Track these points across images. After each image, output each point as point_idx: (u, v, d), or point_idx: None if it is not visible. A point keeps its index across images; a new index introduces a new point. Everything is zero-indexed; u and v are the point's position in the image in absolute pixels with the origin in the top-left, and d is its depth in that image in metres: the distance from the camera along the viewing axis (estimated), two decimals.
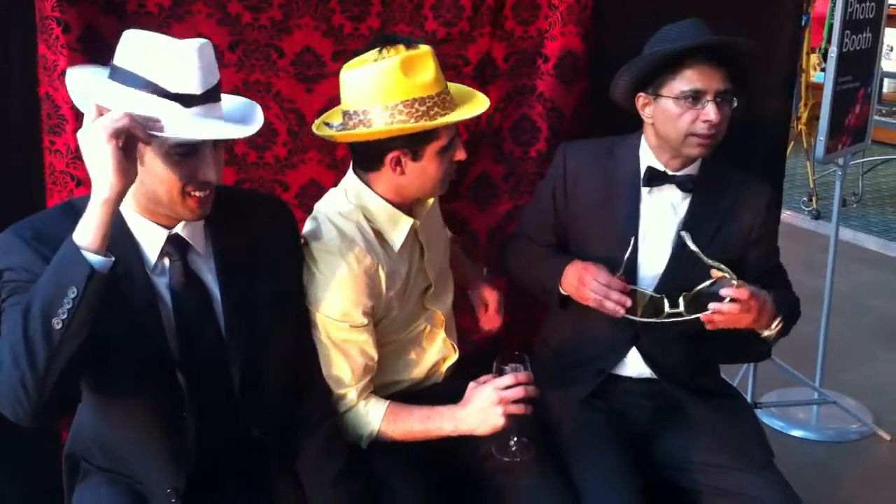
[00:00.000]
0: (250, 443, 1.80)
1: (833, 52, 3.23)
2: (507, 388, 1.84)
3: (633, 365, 2.23)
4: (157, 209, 1.64)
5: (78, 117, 1.98)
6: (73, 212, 1.57)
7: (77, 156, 2.02)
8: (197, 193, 1.61)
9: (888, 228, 6.45)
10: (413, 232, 2.03)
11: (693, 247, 2.01)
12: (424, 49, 1.88)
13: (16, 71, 2.03)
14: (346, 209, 1.97)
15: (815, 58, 6.68)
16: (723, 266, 2.01)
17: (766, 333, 2.09)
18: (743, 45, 2.06)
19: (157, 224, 1.66)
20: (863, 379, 4.04)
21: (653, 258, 2.18)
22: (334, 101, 2.29)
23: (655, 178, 2.15)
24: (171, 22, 2.11)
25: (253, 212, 1.83)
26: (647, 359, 2.22)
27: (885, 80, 7.61)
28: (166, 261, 1.68)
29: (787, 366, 3.70)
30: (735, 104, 2.08)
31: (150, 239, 1.66)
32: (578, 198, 2.22)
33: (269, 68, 2.23)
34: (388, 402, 1.97)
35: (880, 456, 3.53)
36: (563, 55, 2.52)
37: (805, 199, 6.72)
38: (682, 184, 2.15)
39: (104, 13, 2.04)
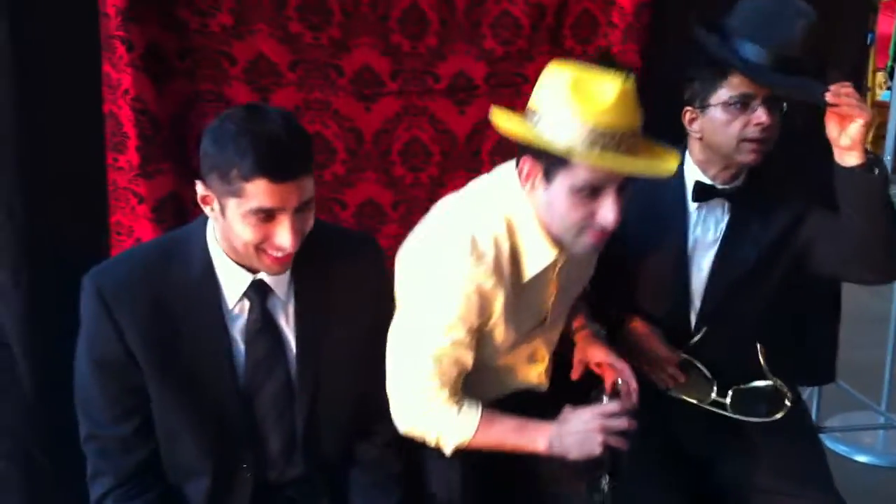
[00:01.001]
0: (304, 481, 1.80)
1: None
2: (611, 416, 1.74)
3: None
4: (240, 259, 1.65)
5: (140, 135, 2.02)
6: (167, 257, 1.65)
7: (139, 172, 2.05)
8: (273, 253, 1.60)
9: None
10: (553, 266, 1.86)
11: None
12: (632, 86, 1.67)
13: (80, 89, 2.05)
14: (488, 215, 1.78)
15: (880, 76, 6.55)
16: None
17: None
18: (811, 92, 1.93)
19: (243, 267, 1.67)
20: None
21: (698, 275, 2.14)
22: (390, 120, 2.32)
23: (704, 193, 2.10)
24: (232, 41, 2.13)
25: (339, 252, 1.79)
26: (705, 364, 2.17)
27: None
28: (245, 303, 1.69)
29: (853, 389, 3.60)
30: (785, 109, 2.02)
31: (234, 281, 1.67)
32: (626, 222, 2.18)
33: (329, 87, 2.23)
34: (480, 407, 1.85)
35: None
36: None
37: None
38: (731, 196, 2.10)
39: (166, 31, 2.06)
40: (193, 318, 1.65)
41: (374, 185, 2.36)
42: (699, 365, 2.12)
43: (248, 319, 1.69)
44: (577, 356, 2.04)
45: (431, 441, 1.85)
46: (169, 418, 1.67)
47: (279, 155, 1.51)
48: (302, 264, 1.70)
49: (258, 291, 1.68)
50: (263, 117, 1.54)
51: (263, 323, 1.69)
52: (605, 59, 1.71)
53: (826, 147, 2.78)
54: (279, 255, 1.60)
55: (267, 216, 1.54)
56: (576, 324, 2.09)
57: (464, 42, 2.36)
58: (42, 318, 2.08)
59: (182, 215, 2.11)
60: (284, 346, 1.72)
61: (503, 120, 1.76)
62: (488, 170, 2.45)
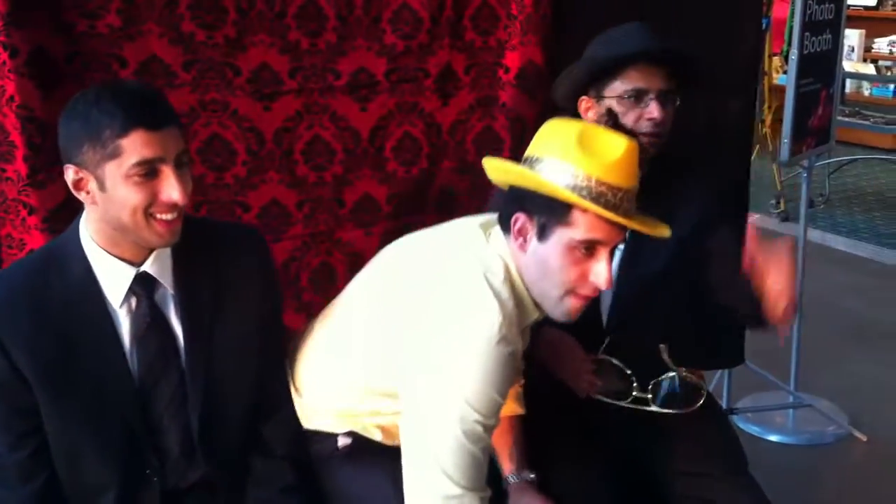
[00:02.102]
0: (206, 485, 1.75)
1: (794, 54, 3.23)
2: None
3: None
4: (123, 239, 1.59)
5: (27, 143, 1.93)
6: (45, 266, 1.60)
7: (28, 182, 1.96)
8: (162, 216, 1.55)
9: (856, 228, 6.49)
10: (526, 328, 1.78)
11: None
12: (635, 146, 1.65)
13: None
14: (497, 273, 1.69)
15: (777, 61, 6.73)
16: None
17: None
18: (680, 48, 2.05)
19: (124, 261, 1.61)
20: (837, 381, 4.03)
21: None
22: (291, 118, 2.28)
23: None
24: (122, 43, 2.04)
25: (225, 246, 1.76)
26: (621, 360, 2.15)
27: (847, 81, 7.67)
28: (132, 300, 1.63)
29: (762, 370, 3.68)
30: (678, 103, 2.06)
31: (117, 279, 1.61)
32: None
33: (226, 87, 2.17)
34: None
35: (857, 457, 3.52)
36: (523, 65, 2.51)
37: (773, 201, 6.75)
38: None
39: (52, 34, 1.97)
40: (79, 326, 1.59)
41: (277, 186, 2.31)
42: (615, 362, 2.12)
43: (137, 316, 1.63)
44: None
45: None
46: (68, 434, 1.61)
47: (147, 104, 1.51)
48: (186, 256, 1.67)
49: (144, 285, 1.63)
50: (115, 82, 1.59)
51: (152, 318, 1.64)
52: (610, 122, 1.75)
53: (725, 144, 2.87)
54: (169, 217, 1.55)
55: (150, 171, 1.51)
56: (504, 468, 2.00)
57: (363, 38, 2.34)
58: None
59: None
60: (175, 341, 1.67)
61: (498, 166, 1.73)
62: (393, 168, 2.45)
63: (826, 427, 3.65)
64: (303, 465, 1.86)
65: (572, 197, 1.59)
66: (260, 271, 1.80)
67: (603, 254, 1.64)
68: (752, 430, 3.63)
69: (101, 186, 1.52)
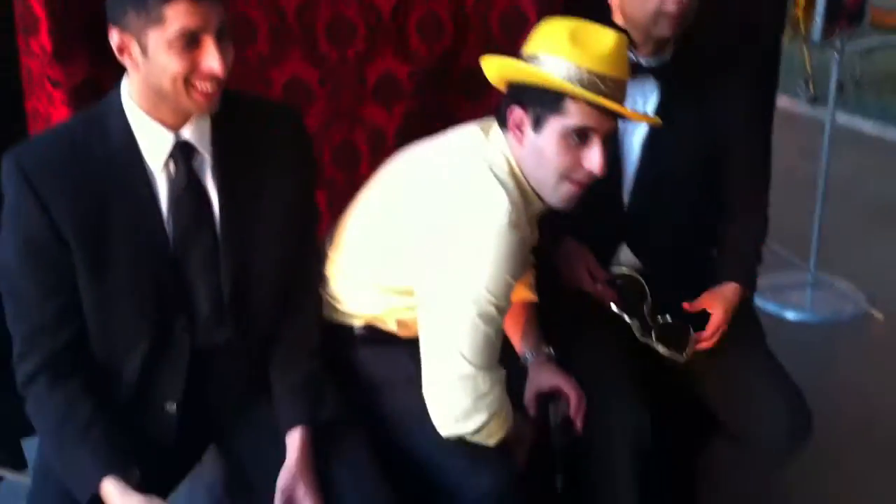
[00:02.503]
0: (232, 347, 1.81)
1: None
2: None
3: (626, 261, 2.23)
4: (164, 104, 1.63)
5: (51, 16, 1.94)
6: (88, 130, 1.64)
7: (53, 56, 1.98)
8: (202, 85, 1.58)
9: (885, 113, 6.41)
10: (532, 217, 1.84)
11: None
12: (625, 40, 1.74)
13: None
14: (501, 166, 1.78)
15: None
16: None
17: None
18: None
19: (163, 125, 1.65)
20: (857, 261, 4.08)
21: (629, 156, 2.15)
22: None
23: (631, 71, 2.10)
24: None
25: (263, 120, 1.79)
26: (639, 254, 2.22)
27: None
28: (171, 166, 1.67)
29: (782, 250, 3.71)
30: None
31: (157, 144, 1.65)
32: None
33: None
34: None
35: (873, 335, 3.60)
36: None
37: (802, 83, 6.65)
38: (657, 71, 2.10)
39: None
40: (119, 186, 1.63)
41: (299, 63, 2.31)
42: (628, 272, 2.16)
43: (174, 181, 1.67)
44: (530, 389, 2.03)
45: (485, 431, 1.78)
46: (102, 290, 1.66)
47: None
48: (225, 126, 1.71)
49: (183, 151, 1.67)
50: None
51: (188, 184, 1.68)
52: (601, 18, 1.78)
53: (757, 31, 2.82)
54: (208, 87, 1.58)
55: (191, 40, 1.53)
56: (520, 349, 2.09)
57: None
58: None
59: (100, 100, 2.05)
60: (211, 207, 1.72)
61: (495, 62, 1.80)
62: (415, 44, 2.44)
63: (844, 306, 3.72)
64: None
65: (565, 85, 1.67)
66: (296, 147, 1.83)
67: (595, 140, 1.72)
68: (770, 308, 3.70)
69: (144, 52, 1.55)
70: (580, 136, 1.71)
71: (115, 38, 1.56)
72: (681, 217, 2.18)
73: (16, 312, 1.67)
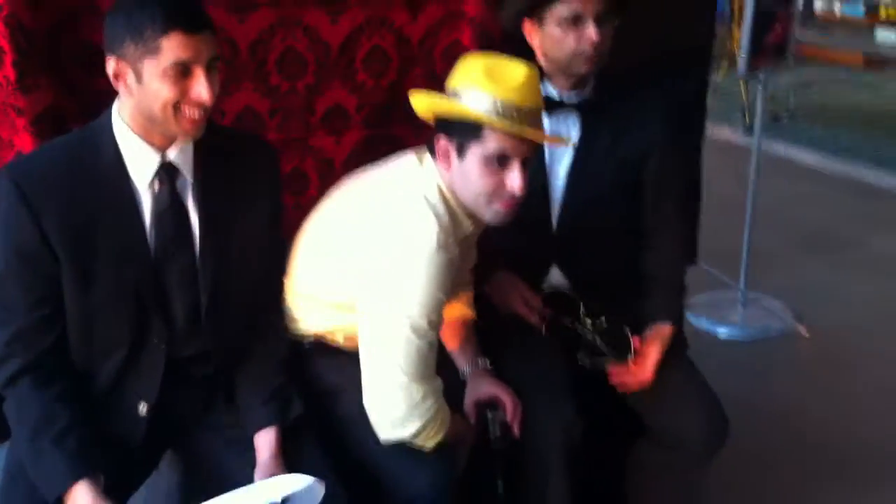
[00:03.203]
0: (205, 357, 1.93)
1: None
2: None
3: (556, 282, 2.37)
4: (153, 127, 1.75)
5: (16, 49, 2.05)
6: (78, 149, 1.77)
7: (17, 87, 2.07)
8: (190, 112, 1.71)
9: (819, 143, 6.67)
10: (464, 238, 1.98)
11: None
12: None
13: None
14: (432, 192, 1.92)
15: None
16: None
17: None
18: None
19: (151, 147, 1.77)
20: (786, 281, 4.29)
21: (556, 183, 2.30)
22: (265, 31, 2.38)
23: (552, 106, 2.26)
24: None
25: (241, 149, 1.93)
26: (569, 275, 2.36)
27: (818, 1, 7.78)
28: (156, 184, 1.80)
29: (715, 270, 3.90)
30: (617, 23, 2.19)
31: (143, 163, 1.78)
32: None
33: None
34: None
35: (800, 350, 3.78)
36: None
37: (739, 114, 6.91)
38: (578, 106, 2.27)
39: None
40: (107, 201, 1.76)
41: (251, 95, 2.42)
42: (562, 289, 2.32)
43: (158, 199, 1.80)
44: (469, 398, 2.14)
45: (422, 436, 1.91)
46: (85, 298, 1.78)
47: (187, 8, 1.67)
48: (207, 153, 1.84)
49: (168, 172, 1.80)
50: None
51: (171, 203, 1.81)
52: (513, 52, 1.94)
53: (683, 64, 3.00)
54: (196, 113, 1.71)
55: (184, 70, 1.66)
56: (465, 363, 2.23)
57: None
58: None
59: (61, 127, 2.14)
60: (190, 227, 1.84)
61: (421, 98, 1.96)
62: (363, 79, 2.59)
63: (772, 322, 3.91)
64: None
65: (481, 116, 1.83)
66: (269, 175, 1.99)
67: (514, 164, 1.87)
68: (703, 324, 3.88)
69: (139, 79, 1.68)
70: (500, 161, 1.87)
71: (111, 65, 1.69)
72: (605, 240, 2.33)
73: (1, 318, 1.77)
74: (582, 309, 2.29)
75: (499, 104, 1.82)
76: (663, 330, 2.25)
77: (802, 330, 3.85)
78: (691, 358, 2.33)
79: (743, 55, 3.54)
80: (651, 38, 2.99)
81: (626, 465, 2.38)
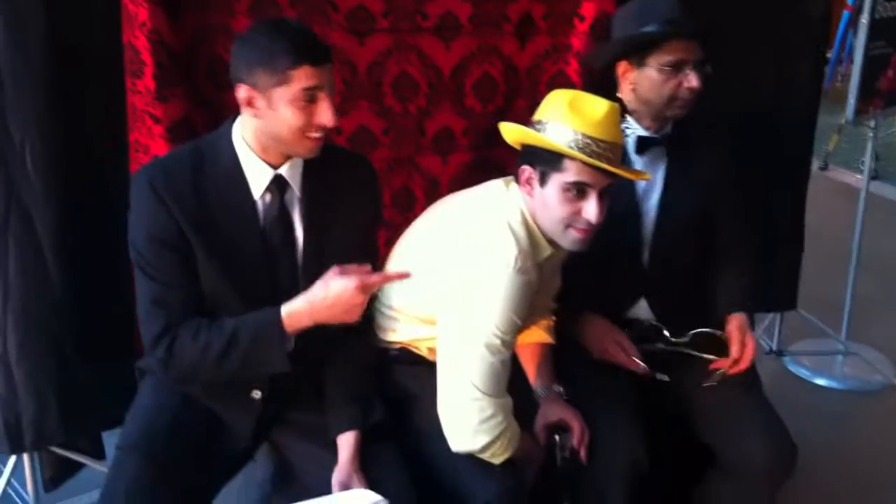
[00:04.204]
0: (307, 364, 2.06)
1: (865, 18, 3.35)
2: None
3: (641, 314, 2.46)
4: (276, 147, 1.94)
5: (156, 63, 2.25)
6: (200, 156, 1.96)
7: (155, 97, 2.28)
8: (314, 135, 1.90)
9: None
10: (544, 262, 2.09)
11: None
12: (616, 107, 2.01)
13: (100, 21, 2.27)
14: (515, 217, 2.05)
15: None
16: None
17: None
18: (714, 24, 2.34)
19: (266, 163, 1.96)
20: (889, 332, 4.18)
21: (647, 217, 2.40)
22: (382, 54, 2.54)
23: (647, 145, 2.37)
24: None
25: (342, 164, 2.09)
26: (654, 306, 2.45)
27: None
28: (268, 196, 1.98)
29: (814, 318, 3.86)
30: (709, 70, 2.29)
31: (258, 175, 1.96)
32: None
33: (326, 23, 2.43)
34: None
35: None
36: (598, 15, 2.69)
37: (862, 159, 6.75)
38: (667, 143, 2.37)
39: None
40: (225, 205, 1.95)
41: (366, 114, 2.58)
42: (646, 320, 2.40)
43: (268, 209, 1.98)
44: (540, 420, 2.23)
45: (490, 451, 2.00)
46: (214, 286, 1.96)
47: (315, 44, 1.87)
48: (314, 169, 2.01)
49: (278, 185, 1.98)
50: (285, 21, 1.99)
51: (279, 213, 1.99)
52: (592, 86, 2.09)
53: (790, 108, 3.07)
54: (318, 135, 1.91)
55: (311, 98, 1.86)
56: (535, 385, 2.31)
57: None
58: (73, 221, 2.35)
59: (193, 135, 2.32)
60: (294, 235, 2.02)
61: (509, 129, 2.10)
62: (471, 103, 2.72)
63: (872, 375, 3.83)
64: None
65: (562, 148, 1.95)
66: (369, 191, 2.16)
67: (592, 194, 1.98)
68: (802, 372, 3.83)
69: (269, 105, 1.87)
70: (578, 191, 1.98)
71: (242, 92, 1.88)
72: (689, 269, 2.42)
73: (155, 294, 1.93)
74: (666, 333, 2.36)
75: (579, 137, 1.94)
76: (739, 317, 2.36)
77: None
78: (785, 402, 2.38)
79: (851, 100, 3.51)
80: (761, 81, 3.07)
81: (691, 499, 2.42)
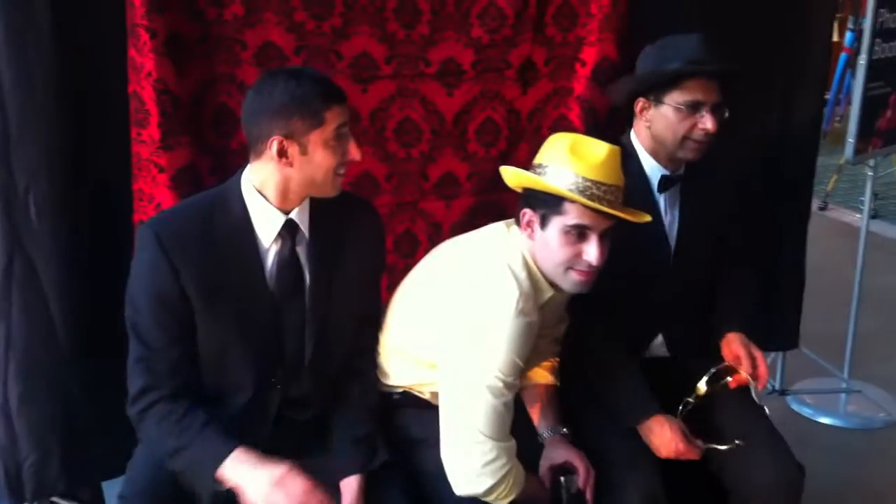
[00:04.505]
0: (303, 401, 2.09)
1: (863, 59, 3.38)
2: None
3: (657, 349, 2.48)
4: (302, 192, 1.97)
5: (161, 112, 2.26)
6: (209, 208, 1.96)
7: (160, 146, 2.29)
8: (342, 172, 1.96)
9: None
10: (545, 304, 2.10)
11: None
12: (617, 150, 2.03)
13: (109, 71, 2.29)
14: (516, 259, 2.05)
15: None
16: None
17: None
18: (736, 66, 2.33)
19: (277, 209, 1.96)
20: (892, 371, 4.18)
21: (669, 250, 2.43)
22: (385, 100, 2.56)
23: (668, 183, 2.39)
24: (244, 29, 2.36)
25: (348, 208, 2.11)
26: (671, 343, 2.47)
27: None
28: (279, 241, 1.99)
29: (817, 356, 3.85)
30: (727, 115, 2.31)
31: (270, 222, 1.96)
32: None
33: (329, 70, 2.44)
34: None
35: None
36: (599, 60, 2.73)
37: (861, 198, 6.78)
38: (683, 182, 2.40)
39: (186, 20, 2.29)
40: (234, 256, 1.95)
41: (370, 159, 2.59)
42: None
43: (280, 253, 1.99)
44: (545, 462, 2.21)
45: (494, 494, 1.99)
46: (218, 340, 1.96)
47: (335, 85, 1.95)
48: (321, 211, 2.03)
49: (289, 229, 1.99)
50: (297, 69, 2.07)
51: (290, 255, 2.00)
52: (594, 129, 2.12)
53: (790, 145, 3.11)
54: (344, 172, 1.97)
55: (340, 135, 1.92)
56: (540, 427, 2.29)
57: (453, 30, 2.60)
58: (78, 270, 2.36)
59: (197, 183, 2.36)
60: (304, 277, 2.02)
61: (510, 173, 2.12)
62: (474, 148, 2.73)
63: (876, 413, 3.82)
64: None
65: (563, 191, 1.96)
66: (374, 235, 2.18)
67: (592, 237, 1.99)
68: (805, 411, 3.82)
69: (304, 151, 1.90)
70: (579, 233, 1.99)
71: (275, 145, 1.89)
72: (699, 302, 2.46)
73: (140, 353, 1.93)
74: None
75: (579, 180, 1.95)
76: (740, 336, 2.36)
77: None
78: (789, 440, 2.34)
79: (850, 140, 3.54)
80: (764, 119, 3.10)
81: None
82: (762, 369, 2.32)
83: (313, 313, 2.02)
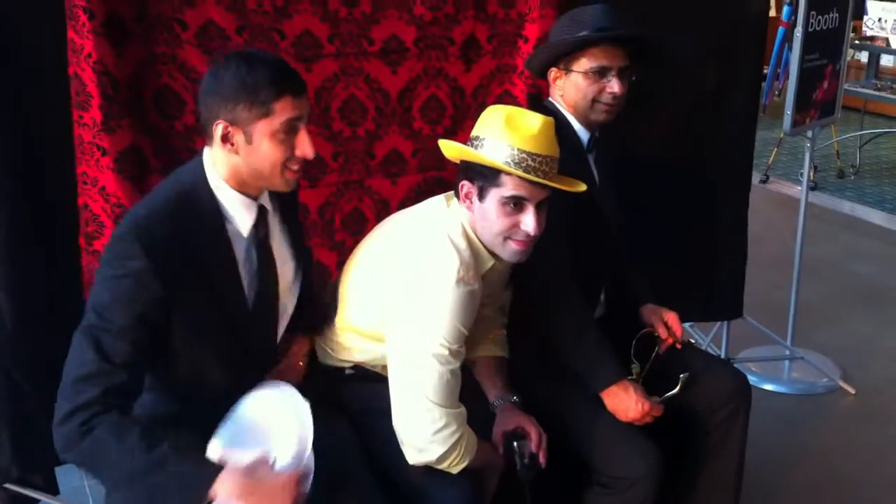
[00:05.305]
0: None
1: (799, 31, 3.45)
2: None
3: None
4: (255, 182, 1.91)
5: (101, 94, 2.25)
6: (178, 206, 1.85)
7: (101, 128, 2.28)
8: (294, 168, 1.89)
9: (883, 199, 6.64)
10: (487, 273, 2.14)
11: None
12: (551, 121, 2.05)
13: (48, 53, 2.26)
14: (455, 230, 2.08)
15: None
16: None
17: None
18: (642, 32, 2.41)
19: (247, 196, 1.92)
20: (834, 338, 4.29)
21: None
22: (329, 79, 2.57)
23: (594, 144, 2.49)
24: (183, 8, 2.35)
25: None
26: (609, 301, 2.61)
27: (883, 55, 7.76)
28: (257, 228, 1.95)
29: (760, 325, 3.94)
30: (634, 79, 2.41)
31: (245, 212, 1.92)
32: None
33: (272, 49, 2.44)
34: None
35: (845, 408, 3.79)
36: (542, 36, 2.75)
37: (801, 171, 6.92)
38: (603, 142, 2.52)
39: (126, 1, 2.27)
40: (209, 249, 1.88)
41: (315, 139, 2.56)
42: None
43: (254, 238, 1.94)
44: (497, 429, 2.23)
45: (447, 462, 2.02)
46: (197, 343, 1.88)
47: (293, 76, 1.87)
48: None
49: (262, 214, 1.96)
50: (257, 53, 1.95)
51: (264, 239, 1.97)
52: (533, 103, 2.11)
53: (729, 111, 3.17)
54: (298, 168, 1.90)
55: (291, 129, 1.85)
56: (491, 396, 2.33)
57: (395, 8, 2.61)
58: (22, 254, 2.34)
59: (142, 165, 2.35)
60: (274, 268, 2.01)
61: (448, 146, 2.14)
62: (419, 126, 2.75)
63: (819, 379, 3.92)
64: None
65: (499, 164, 1.99)
66: (297, 203, 2.21)
67: (529, 207, 2.03)
68: (751, 378, 3.72)
69: (248, 140, 1.83)
70: (515, 204, 2.03)
71: (219, 130, 1.82)
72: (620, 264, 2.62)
73: (97, 367, 1.74)
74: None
75: (515, 152, 1.98)
76: (649, 306, 2.57)
77: (848, 388, 3.86)
78: None
79: (788, 112, 3.61)
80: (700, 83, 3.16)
81: None
82: (676, 327, 2.49)
83: (291, 292, 2.06)
